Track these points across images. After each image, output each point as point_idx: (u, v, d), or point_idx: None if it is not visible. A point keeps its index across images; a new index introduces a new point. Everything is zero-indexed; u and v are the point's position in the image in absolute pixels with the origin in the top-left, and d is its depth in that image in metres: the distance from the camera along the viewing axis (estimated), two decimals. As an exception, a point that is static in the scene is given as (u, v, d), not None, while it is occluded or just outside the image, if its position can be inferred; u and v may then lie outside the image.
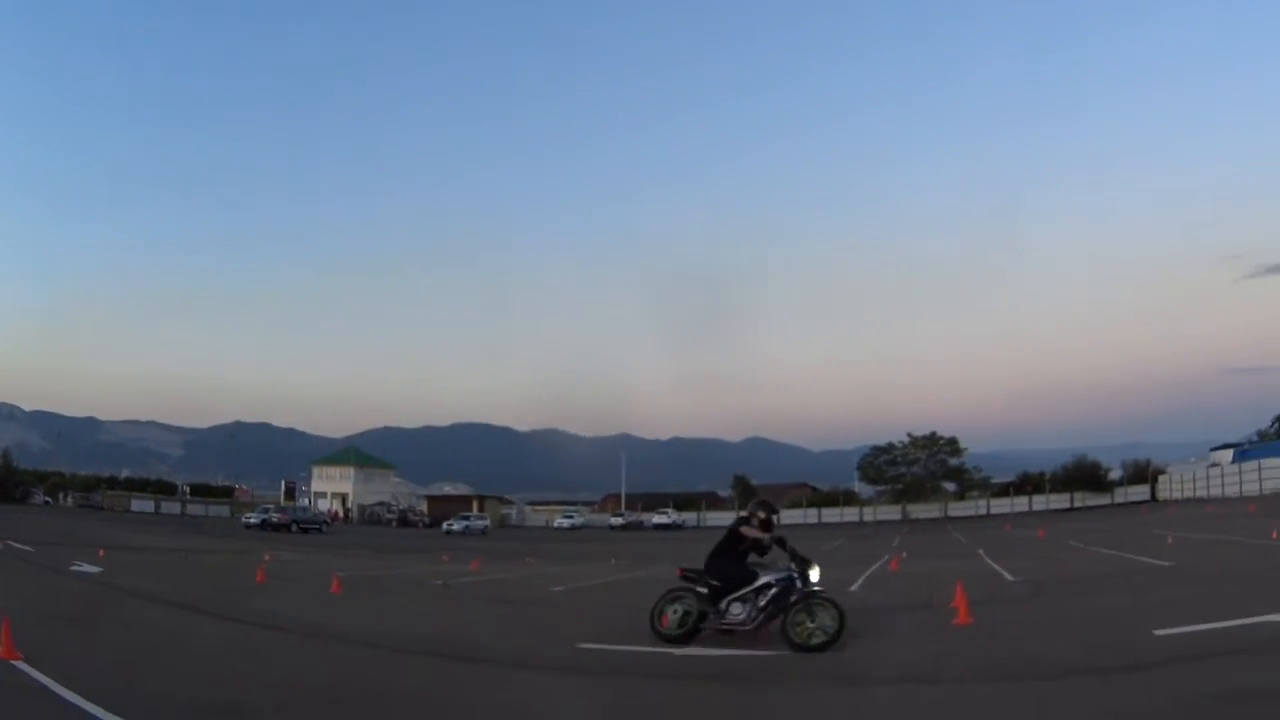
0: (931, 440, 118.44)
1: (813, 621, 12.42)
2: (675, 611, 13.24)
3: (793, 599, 12.70)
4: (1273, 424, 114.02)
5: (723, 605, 13.19)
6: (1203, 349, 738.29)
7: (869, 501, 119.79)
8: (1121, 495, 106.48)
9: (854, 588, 22.58)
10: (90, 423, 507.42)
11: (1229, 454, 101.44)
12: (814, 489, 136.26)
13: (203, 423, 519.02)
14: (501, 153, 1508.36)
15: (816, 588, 12.92)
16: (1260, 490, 77.88)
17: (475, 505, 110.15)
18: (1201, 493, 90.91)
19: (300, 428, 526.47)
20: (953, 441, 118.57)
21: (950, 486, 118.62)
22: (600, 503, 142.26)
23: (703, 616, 13.09)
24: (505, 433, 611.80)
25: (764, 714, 9.08)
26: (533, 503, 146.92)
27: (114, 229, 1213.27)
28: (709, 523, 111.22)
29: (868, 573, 27.35)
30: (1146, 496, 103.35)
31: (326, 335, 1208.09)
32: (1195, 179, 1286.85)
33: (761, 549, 13.51)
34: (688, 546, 53.33)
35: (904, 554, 36.42)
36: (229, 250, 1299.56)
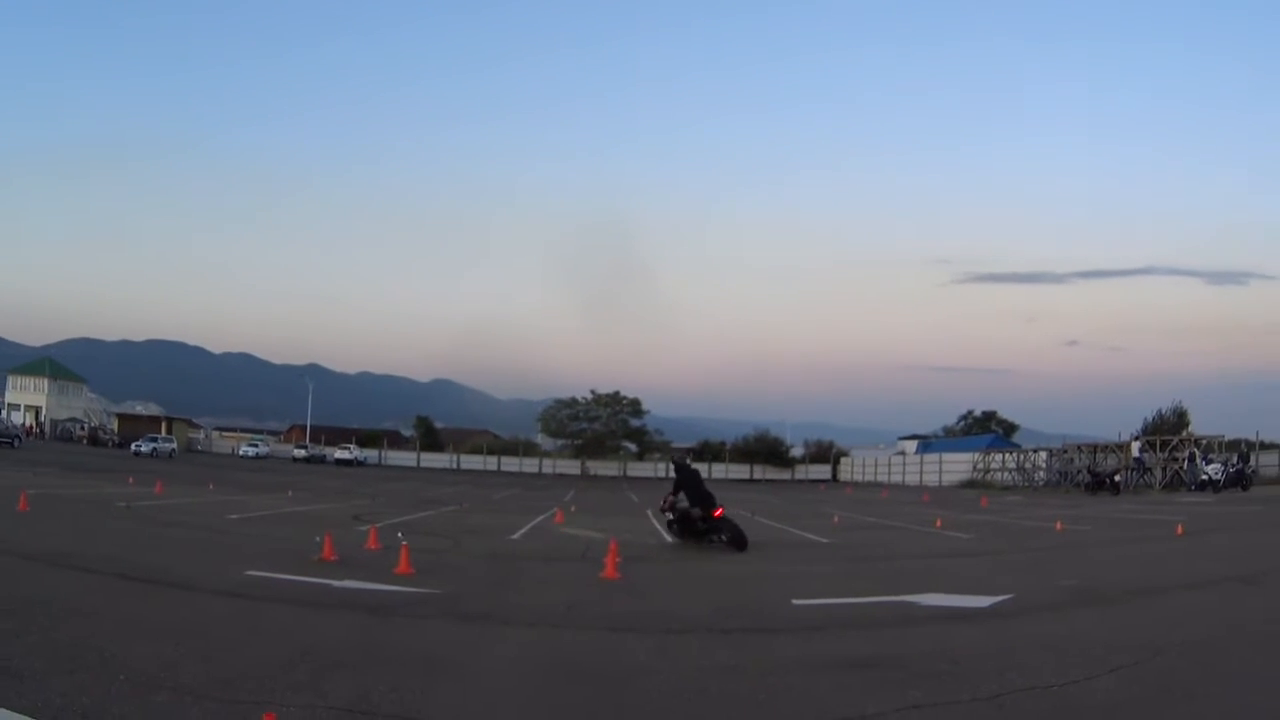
0: (614, 399, 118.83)
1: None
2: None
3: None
4: (959, 421, 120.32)
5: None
6: (903, 345, 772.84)
7: (549, 454, 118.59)
8: (803, 472, 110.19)
9: (515, 536, 23.10)
10: None
11: (914, 444, 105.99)
12: (496, 436, 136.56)
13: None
14: (222, 53, 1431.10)
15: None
16: (940, 481, 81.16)
17: (164, 427, 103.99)
18: (883, 478, 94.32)
19: (1, 333, 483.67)
20: (635, 403, 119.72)
21: (630, 446, 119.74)
22: (286, 433, 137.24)
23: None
24: (199, 353, 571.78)
25: (397, 641, 9.46)
26: (220, 428, 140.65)
27: None
28: (390, 460, 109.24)
29: (532, 523, 27.53)
30: (828, 476, 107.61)
31: (33, 234, 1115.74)
32: (919, 185, 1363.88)
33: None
34: (365, 484, 52.97)
35: (573, 508, 36.44)
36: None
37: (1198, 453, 52.61)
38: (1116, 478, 52.72)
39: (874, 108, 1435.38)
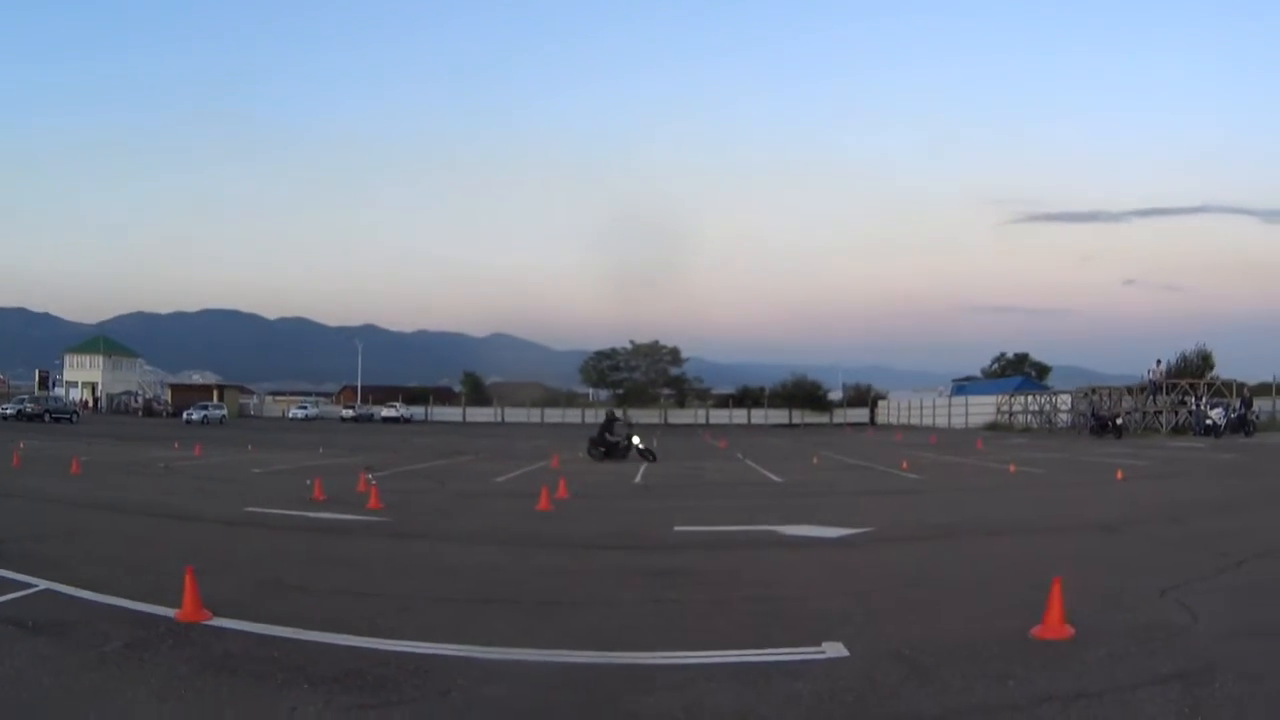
0: (654, 349, 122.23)
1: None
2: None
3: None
4: (992, 363, 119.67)
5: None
6: (961, 287, 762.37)
7: (592, 404, 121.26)
8: (841, 416, 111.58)
9: (501, 479, 26.56)
10: None
11: (950, 386, 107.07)
12: (546, 388, 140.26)
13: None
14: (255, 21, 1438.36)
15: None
16: (966, 423, 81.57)
17: (216, 395, 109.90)
18: (916, 420, 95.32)
19: (55, 312, 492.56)
20: (674, 351, 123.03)
21: (671, 393, 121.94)
22: (338, 394, 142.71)
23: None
24: (254, 320, 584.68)
25: (329, 549, 13.24)
26: (275, 393, 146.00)
27: None
28: (436, 417, 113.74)
29: (530, 468, 30.57)
30: (866, 419, 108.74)
31: (81, 214, 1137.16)
32: (974, 125, 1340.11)
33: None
34: (400, 438, 56.87)
35: (581, 454, 38.47)
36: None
37: (1204, 397, 53.98)
38: (1119, 421, 53.80)
39: (924, 48, 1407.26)
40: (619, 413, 40.04)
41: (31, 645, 7.46)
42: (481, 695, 6.35)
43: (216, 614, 8.32)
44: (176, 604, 8.42)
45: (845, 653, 7.31)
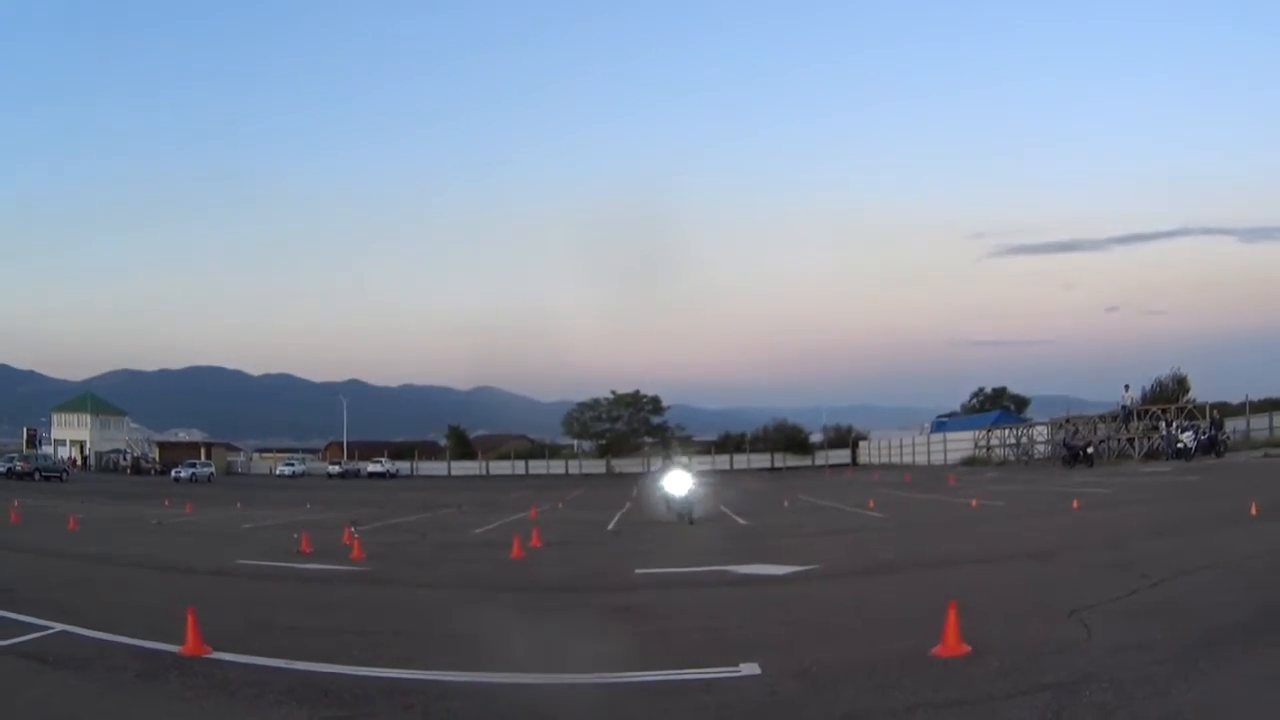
0: (634, 399, 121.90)
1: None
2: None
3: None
4: (971, 399, 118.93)
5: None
6: (945, 322, 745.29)
7: (575, 455, 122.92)
8: (822, 458, 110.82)
9: (479, 531, 27.53)
10: None
11: (932, 423, 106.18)
12: (531, 440, 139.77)
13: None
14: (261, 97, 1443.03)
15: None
16: (945, 460, 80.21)
17: (203, 453, 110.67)
18: (896, 459, 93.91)
19: (40, 369, 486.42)
20: (655, 400, 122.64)
21: (653, 442, 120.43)
22: (324, 450, 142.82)
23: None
24: (239, 376, 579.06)
25: (313, 595, 14.31)
26: (261, 449, 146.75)
27: None
28: (422, 471, 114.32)
29: (508, 519, 31.37)
30: (848, 460, 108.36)
31: (68, 272, 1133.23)
32: (950, 160, 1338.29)
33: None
34: (386, 494, 57.30)
35: (560, 505, 41.04)
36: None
37: (1176, 421, 53.76)
38: (1089, 450, 53.70)
39: (898, 83, 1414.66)
40: (675, 458, 38.10)
41: (54, 676, 8.57)
42: (438, 708, 7.48)
43: (216, 649, 9.37)
44: (180, 641, 9.45)
45: (758, 671, 8.20)
